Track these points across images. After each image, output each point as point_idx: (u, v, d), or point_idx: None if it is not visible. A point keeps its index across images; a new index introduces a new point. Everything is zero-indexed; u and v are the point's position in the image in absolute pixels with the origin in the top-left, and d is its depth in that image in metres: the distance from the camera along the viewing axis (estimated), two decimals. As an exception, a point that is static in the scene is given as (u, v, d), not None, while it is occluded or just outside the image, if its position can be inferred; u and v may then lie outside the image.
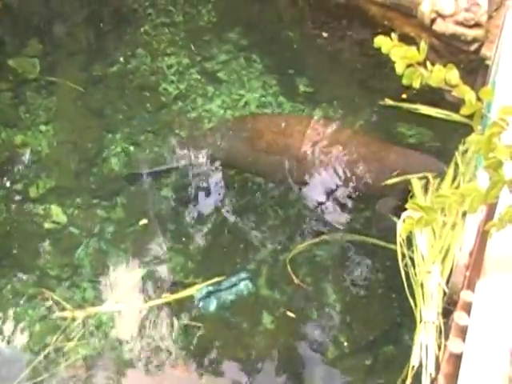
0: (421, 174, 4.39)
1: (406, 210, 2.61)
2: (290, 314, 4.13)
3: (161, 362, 3.94)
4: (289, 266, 4.26)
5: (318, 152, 4.76)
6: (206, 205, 4.77)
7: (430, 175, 4.35)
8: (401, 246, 3.91)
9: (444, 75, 2.07)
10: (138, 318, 4.11)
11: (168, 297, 4.15)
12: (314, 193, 4.73)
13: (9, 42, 6.08)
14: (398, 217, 4.06)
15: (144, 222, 4.62)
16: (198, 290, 4.16)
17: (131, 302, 4.18)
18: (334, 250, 4.45)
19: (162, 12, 6.42)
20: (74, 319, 4.03)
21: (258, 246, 4.47)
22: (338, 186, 4.69)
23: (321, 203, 4.69)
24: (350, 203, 4.66)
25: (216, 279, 4.21)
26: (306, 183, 4.76)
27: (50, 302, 4.15)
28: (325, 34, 6.08)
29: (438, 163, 4.53)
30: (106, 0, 6.61)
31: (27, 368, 3.84)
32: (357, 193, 4.67)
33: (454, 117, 4.71)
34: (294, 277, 4.23)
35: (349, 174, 4.69)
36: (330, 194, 4.69)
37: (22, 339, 4.03)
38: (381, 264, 4.32)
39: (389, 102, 5.17)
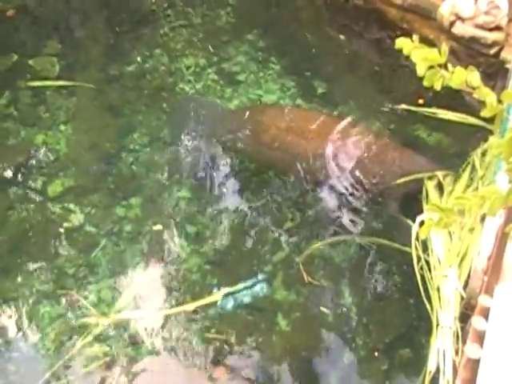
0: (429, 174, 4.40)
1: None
2: (324, 309, 4.12)
3: (190, 368, 3.92)
4: (301, 266, 4.25)
5: (333, 152, 4.75)
6: (223, 205, 4.77)
7: (439, 174, 4.34)
8: (416, 248, 3.89)
9: (465, 77, 2.05)
10: (161, 324, 4.09)
11: (190, 303, 4.14)
12: (329, 193, 4.72)
13: (28, 42, 6.14)
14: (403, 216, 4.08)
15: (159, 227, 4.63)
16: (223, 295, 4.17)
17: (152, 307, 4.18)
18: (348, 251, 4.44)
19: (180, 13, 6.46)
20: (97, 324, 4.03)
21: (274, 247, 4.47)
22: (352, 187, 4.68)
23: (335, 204, 4.68)
24: (364, 205, 4.64)
25: (239, 285, 4.22)
26: (320, 183, 4.75)
27: (72, 303, 4.17)
28: (342, 37, 6.08)
29: (432, 164, 4.53)
30: (124, 1, 6.66)
31: (49, 370, 3.85)
32: (369, 194, 4.66)
33: (471, 120, 4.69)
34: (305, 275, 4.22)
35: (362, 175, 4.67)
36: (344, 194, 4.68)
37: (42, 340, 4.04)
38: (396, 266, 4.30)
39: (405, 107, 5.15)
